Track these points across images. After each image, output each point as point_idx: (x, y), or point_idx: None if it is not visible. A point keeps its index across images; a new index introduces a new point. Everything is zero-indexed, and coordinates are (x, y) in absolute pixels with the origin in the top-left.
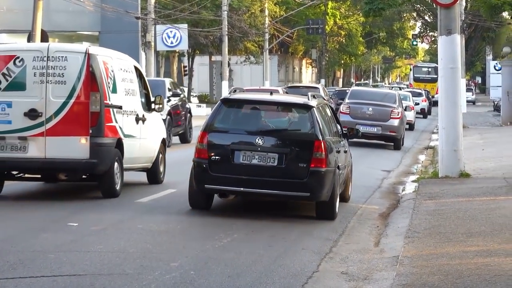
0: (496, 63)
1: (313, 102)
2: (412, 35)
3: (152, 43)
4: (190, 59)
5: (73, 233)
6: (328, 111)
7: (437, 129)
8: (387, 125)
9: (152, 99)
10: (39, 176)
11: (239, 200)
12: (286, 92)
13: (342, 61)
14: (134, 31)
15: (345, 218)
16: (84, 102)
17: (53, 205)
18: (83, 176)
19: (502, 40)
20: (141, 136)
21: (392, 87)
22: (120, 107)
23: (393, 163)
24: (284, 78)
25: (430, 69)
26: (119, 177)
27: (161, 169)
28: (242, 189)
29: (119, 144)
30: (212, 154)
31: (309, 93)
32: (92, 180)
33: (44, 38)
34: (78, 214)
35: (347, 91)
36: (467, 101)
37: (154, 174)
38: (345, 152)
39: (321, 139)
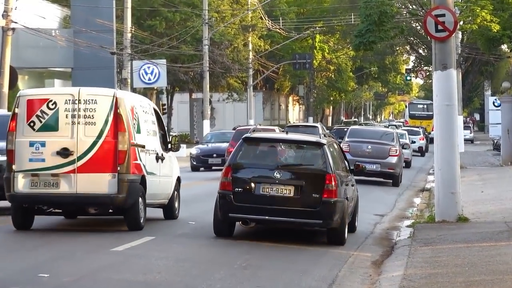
0: (495, 99)
1: (324, 140)
2: (406, 69)
3: (129, 80)
4: (169, 97)
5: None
6: (337, 149)
7: (433, 170)
8: (386, 162)
9: (168, 139)
10: (70, 211)
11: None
12: (286, 132)
13: (331, 98)
14: (109, 67)
15: (336, 266)
16: (112, 141)
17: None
18: (110, 211)
19: (502, 74)
20: (161, 173)
21: (389, 125)
22: (144, 146)
23: (387, 207)
24: (270, 116)
25: (425, 106)
26: (143, 211)
27: (176, 205)
28: (262, 217)
29: (143, 181)
30: (236, 186)
31: (323, 133)
32: (118, 214)
33: (13, 75)
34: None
35: (345, 129)
36: (465, 140)
37: (170, 210)
38: (352, 185)
39: (332, 173)
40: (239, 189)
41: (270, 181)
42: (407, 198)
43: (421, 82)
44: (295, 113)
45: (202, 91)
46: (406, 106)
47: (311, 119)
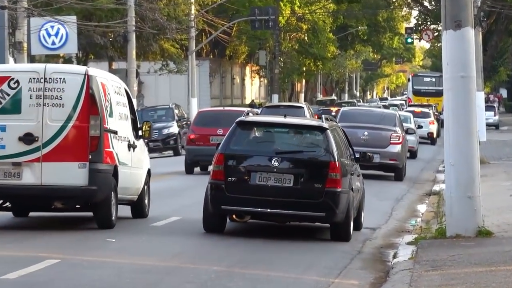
0: None
1: (327, 124)
2: (406, 29)
3: (25, 44)
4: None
5: None
6: (341, 134)
7: (444, 165)
8: (386, 152)
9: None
10: (33, 205)
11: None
12: (284, 115)
13: (304, 68)
14: None
15: None
16: (83, 126)
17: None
18: (76, 206)
19: None
20: (132, 164)
21: (390, 105)
22: (116, 132)
23: (380, 217)
24: (220, 92)
25: (434, 79)
26: (115, 208)
27: (146, 201)
28: (258, 209)
29: (115, 172)
30: (229, 176)
31: (323, 116)
32: (86, 210)
33: None
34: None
35: (320, 110)
36: (488, 125)
37: (140, 207)
38: (358, 175)
39: (336, 160)
40: (233, 179)
41: (267, 170)
42: (409, 205)
43: (426, 46)
44: (254, 88)
45: (126, 59)
46: (408, 80)
47: (275, 97)
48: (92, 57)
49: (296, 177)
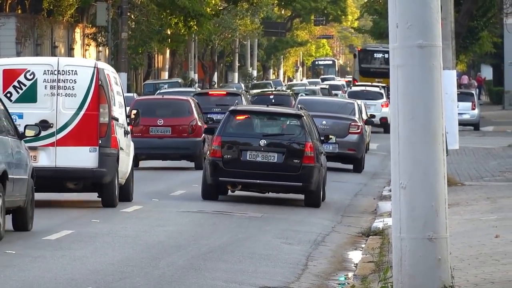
0: None
1: (302, 112)
2: None
3: None
4: None
5: None
6: (311, 120)
7: (390, 189)
8: (345, 141)
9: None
10: (47, 185)
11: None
12: (267, 105)
13: (169, 31)
14: None
15: None
16: (94, 114)
17: None
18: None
19: None
20: (125, 149)
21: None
22: (117, 120)
23: (289, 269)
24: None
25: (388, 55)
26: (117, 189)
27: (132, 186)
28: (249, 180)
29: (117, 156)
30: (225, 153)
31: (298, 105)
32: (92, 190)
33: None
34: None
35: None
36: (462, 124)
37: (126, 191)
38: (324, 154)
39: (310, 141)
40: (228, 156)
41: (255, 149)
42: (334, 250)
43: None
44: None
45: None
46: (354, 56)
47: (123, 76)
48: None
49: (279, 154)
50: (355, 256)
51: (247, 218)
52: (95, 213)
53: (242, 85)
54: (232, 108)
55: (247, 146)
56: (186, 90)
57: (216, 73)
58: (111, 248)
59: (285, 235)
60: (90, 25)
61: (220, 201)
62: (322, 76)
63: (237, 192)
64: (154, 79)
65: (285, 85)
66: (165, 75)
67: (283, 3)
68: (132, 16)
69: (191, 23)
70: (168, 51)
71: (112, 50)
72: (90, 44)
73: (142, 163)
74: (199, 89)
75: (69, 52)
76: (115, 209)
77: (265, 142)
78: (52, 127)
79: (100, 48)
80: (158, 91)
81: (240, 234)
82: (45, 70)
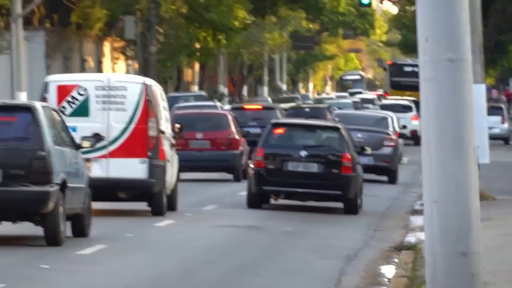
0: None
1: (339, 125)
2: None
3: None
4: None
5: None
6: (348, 132)
7: (422, 203)
8: (380, 154)
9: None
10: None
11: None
12: (306, 118)
13: (198, 45)
14: None
15: None
16: (143, 127)
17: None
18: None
19: None
20: (171, 161)
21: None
22: (164, 133)
23: (322, 285)
24: None
25: (417, 69)
26: (165, 198)
27: (176, 197)
28: (291, 189)
29: (165, 167)
30: (268, 164)
31: (335, 118)
32: (142, 199)
33: None
34: None
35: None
36: (492, 138)
37: (172, 201)
38: (360, 165)
39: (348, 152)
40: (271, 166)
41: (297, 159)
42: (367, 265)
43: (393, 10)
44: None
45: None
46: (385, 69)
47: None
48: None
49: (319, 165)
50: (388, 271)
51: (279, 233)
52: (127, 228)
53: (269, 99)
54: (273, 121)
55: (288, 157)
56: (203, 104)
57: (245, 86)
58: (144, 262)
59: (317, 250)
60: (119, 38)
61: (253, 215)
62: (350, 90)
63: (271, 204)
64: (182, 91)
65: (314, 99)
66: (195, 88)
67: (311, 16)
68: (161, 30)
69: (220, 36)
70: (197, 64)
71: (141, 64)
72: (119, 58)
73: (181, 175)
74: (219, 103)
75: (98, 66)
76: (147, 223)
77: (306, 153)
78: (104, 140)
79: (129, 62)
80: (175, 105)
81: (273, 249)
82: (96, 86)
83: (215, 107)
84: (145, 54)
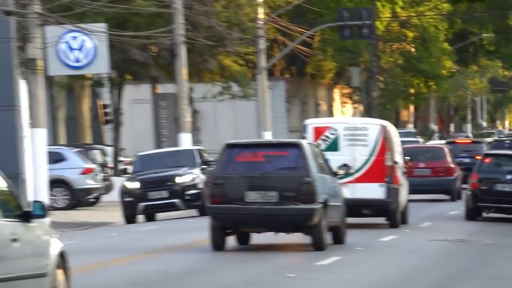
0: None
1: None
2: None
3: (40, 62)
4: (115, 92)
5: None
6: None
7: None
8: None
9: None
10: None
11: None
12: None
13: (412, 90)
14: (4, 38)
15: None
16: (381, 159)
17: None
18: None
19: None
20: (403, 185)
21: None
22: (397, 163)
23: None
24: (301, 124)
25: None
26: (399, 214)
27: (407, 213)
28: (500, 205)
29: (399, 190)
30: (481, 185)
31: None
32: (381, 215)
33: None
34: None
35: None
36: None
37: (404, 217)
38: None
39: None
40: (484, 187)
41: (504, 181)
42: None
43: None
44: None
45: (175, 80)
46: None
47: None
48: (129, 78)
49: None
50: None
51: (484, 245)
52: (357, 243)
53: (470, 134)
54: (485, 152)
55: (497, 180)
56: (407, 140)
57: (452, 124)
58: (372, 271)
59: None
60: (346, 86)
61: (459, 231)
62: None
63: (481, 217)
64: (399, 129)
65: (506, 134)
66: (410, 126)
67: (506, 65)
68: (381, 78)
69: (430, 83)
70: (412, 106)
71: (365, 107)
72: (347, 102)
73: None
74: (421, 139)
75: (330, 109)
76: (373, 238)
77: (511, 177)
78: (351, 168)
79: (355, 105)
80: None
81: (478, 259)
82: (344, 127)
83: (417, 142)
84: (368, 99)
